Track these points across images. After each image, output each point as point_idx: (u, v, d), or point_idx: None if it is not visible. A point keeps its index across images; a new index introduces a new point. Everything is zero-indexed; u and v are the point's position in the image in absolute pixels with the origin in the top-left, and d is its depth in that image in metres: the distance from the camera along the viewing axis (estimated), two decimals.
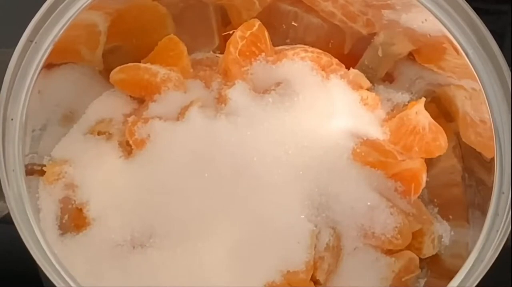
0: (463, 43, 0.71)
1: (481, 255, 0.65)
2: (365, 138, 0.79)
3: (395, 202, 0.77)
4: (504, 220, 0.67)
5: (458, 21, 0.72)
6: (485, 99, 0.71)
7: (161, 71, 0.79)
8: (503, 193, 0.68)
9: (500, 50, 0.71)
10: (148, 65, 0.80)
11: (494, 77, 0.71)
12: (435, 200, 0.82)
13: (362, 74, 0.83)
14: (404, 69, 0.82)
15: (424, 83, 0.82)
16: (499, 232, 0.66)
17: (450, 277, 0.65)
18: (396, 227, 0.75)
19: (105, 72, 0.81)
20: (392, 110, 0.83)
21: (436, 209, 0.81)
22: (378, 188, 0.77)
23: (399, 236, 0.75)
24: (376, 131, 0.80)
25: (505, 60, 0.71)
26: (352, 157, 0.77)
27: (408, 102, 0.83)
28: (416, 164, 0.78)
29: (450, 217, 0.80)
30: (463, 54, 0.72)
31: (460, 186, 0.79)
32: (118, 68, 0.80)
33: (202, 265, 0.71)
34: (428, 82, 0.81)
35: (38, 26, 0.69)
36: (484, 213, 0.69)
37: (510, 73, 0.71)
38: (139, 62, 0.81)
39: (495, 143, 0.70)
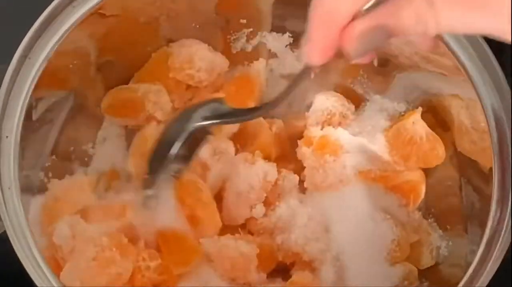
0: (462, 58, 0.70)
1: (481, 267, 0.65)
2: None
3: (393, 214, 0.76)
4: (504, 230, 0.66)
5: None
6: (481, 108, 0.70)
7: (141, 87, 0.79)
8: (502, 202, 0.67)
9: (495, 56, 0.70)
10: (130, 85, 0.81)
11: (490, 86, 0.70)
12: (433, 210, 0.81)
13: None
14: (400, 78, 0.82)
15: (420, 93, 0.81)
16: (499, 243, 0.65)
17: None
18: (394, 239, 0.75)
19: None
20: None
21: (433, 220, 0.81)
22: (377, 200, 0.76)
23: (397, 248, 0.75)
24: (373, 143, 0.80)
25: (501, 69, 0.70)
26: None
27: (404, 112, 0.82)
28: (416, 176, 0.78)
29: (448, 227, 0.80)
30: (460, 67, 0.71)
31: (458, 195, 0.79)
32: (104, 97, 0.81)
33: None
34: (424, 92, 0.81)
35: (31, 42, 0.68)
36: (482, 222, 0.68)
37: (506, 80, 0.70)
38: (133, 75, 0.81)
39: (493, 152, 0.69)
